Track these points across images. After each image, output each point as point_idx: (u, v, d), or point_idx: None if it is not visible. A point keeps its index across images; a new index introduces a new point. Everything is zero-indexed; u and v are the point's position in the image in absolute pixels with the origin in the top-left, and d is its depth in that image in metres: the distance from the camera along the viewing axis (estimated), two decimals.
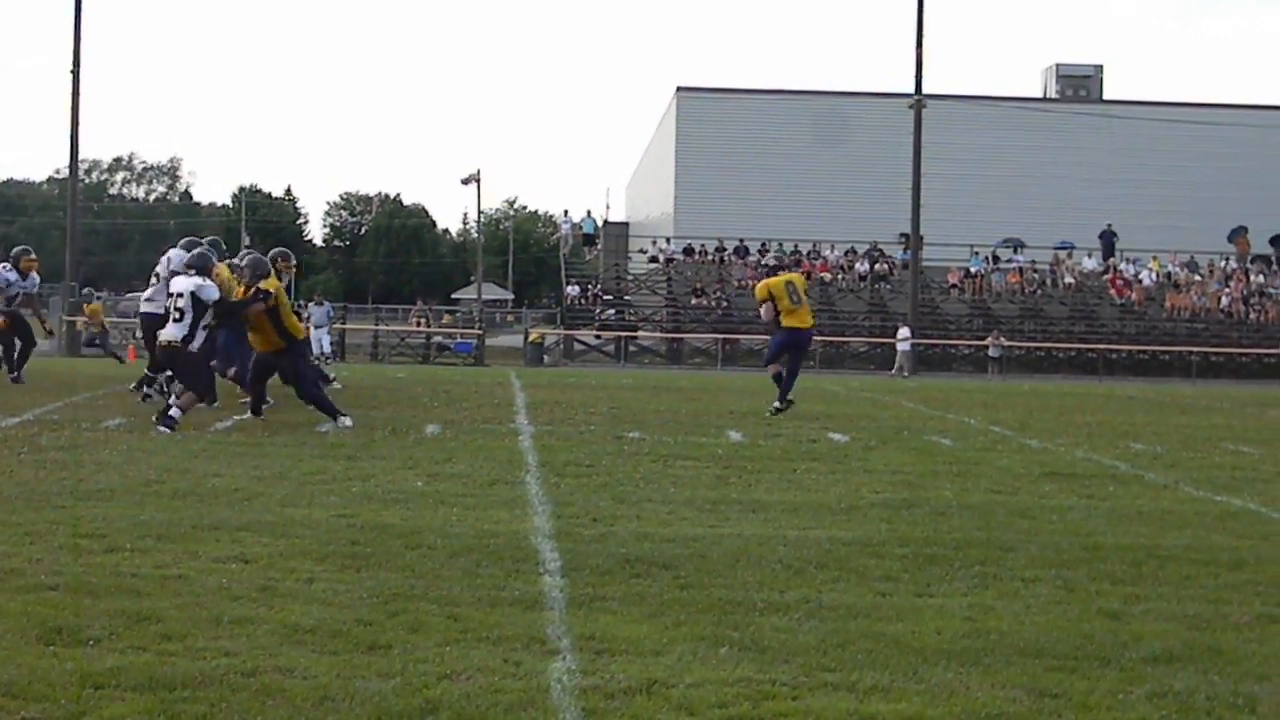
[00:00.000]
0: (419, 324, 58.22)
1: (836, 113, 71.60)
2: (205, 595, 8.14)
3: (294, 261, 24.33)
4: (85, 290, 48.06)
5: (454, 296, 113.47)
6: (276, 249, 24.60)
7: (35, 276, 25.31)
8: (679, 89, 73.34)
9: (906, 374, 48.16)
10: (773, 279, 23.39)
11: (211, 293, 18.11)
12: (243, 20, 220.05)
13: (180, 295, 18.07)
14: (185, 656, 6.87)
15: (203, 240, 21.54)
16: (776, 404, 22.36)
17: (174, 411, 17.38)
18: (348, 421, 18.08)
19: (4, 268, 24.91)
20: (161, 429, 16.95)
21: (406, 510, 11.48)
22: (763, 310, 23.07)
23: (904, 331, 51.17)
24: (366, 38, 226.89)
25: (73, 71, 49.69)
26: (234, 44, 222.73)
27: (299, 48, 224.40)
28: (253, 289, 18.73)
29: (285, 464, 14.16)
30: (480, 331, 53.88)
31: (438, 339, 54.92)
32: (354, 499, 11.99)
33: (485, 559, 9.40)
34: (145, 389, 21.36)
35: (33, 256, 25.24)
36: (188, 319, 17.92)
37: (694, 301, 59.59)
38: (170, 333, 18.08)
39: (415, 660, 6.91)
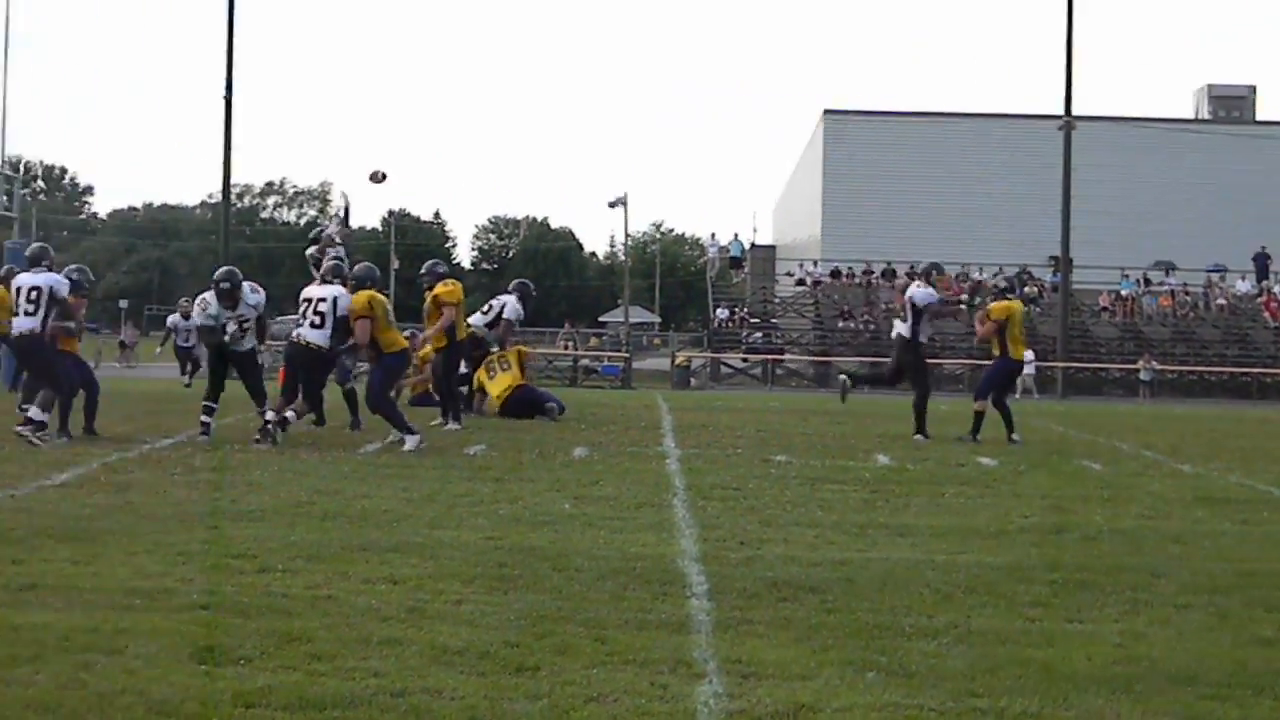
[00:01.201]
0: (566, 347, 58.54)
1: (984, 135, 71.22)
2: (355, 616, 8.21)
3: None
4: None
5: (601, 319, 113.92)
6: (930, 261, 24.28)
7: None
8: (826, 112, 73.28)
9: (1036, 396, 47.80)
10: (1013, 303, 22.61)
11: (62, 288, 18.23)
12: (395, 45, 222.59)
13: (36, 289, 17.99)
14: (335, 676, 6.93)
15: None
16: (1014, 436, 22.05)
17: (34, 412, 17.71)
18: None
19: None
20: (22, 431, 17.42)
21: (554, 533, 11.50)
22: (985, 328, 22.31)
23: (1028, 355, 50.69)
24: (516, 62, 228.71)
25: (225, 98, 50.60)
26: (384, 69, 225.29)
27: (450, 72, 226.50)
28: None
29: (434, 486, 14.25)
30: (627, 354, 53.98)
31: (585, 362, 55.09)
32: (502, 521, 12.04)
33: (632, 581, 9.40)
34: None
35: None
36: (40, 312, 17.94)
37: (841, 324, 59.42)
38: (25, 325, 18.03)
39: (562, 683, 6.92)
